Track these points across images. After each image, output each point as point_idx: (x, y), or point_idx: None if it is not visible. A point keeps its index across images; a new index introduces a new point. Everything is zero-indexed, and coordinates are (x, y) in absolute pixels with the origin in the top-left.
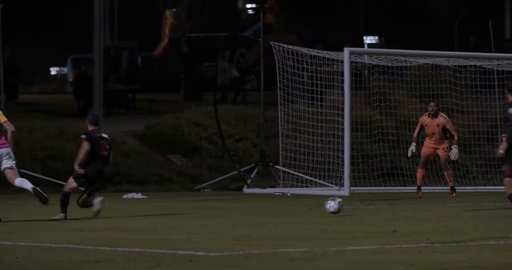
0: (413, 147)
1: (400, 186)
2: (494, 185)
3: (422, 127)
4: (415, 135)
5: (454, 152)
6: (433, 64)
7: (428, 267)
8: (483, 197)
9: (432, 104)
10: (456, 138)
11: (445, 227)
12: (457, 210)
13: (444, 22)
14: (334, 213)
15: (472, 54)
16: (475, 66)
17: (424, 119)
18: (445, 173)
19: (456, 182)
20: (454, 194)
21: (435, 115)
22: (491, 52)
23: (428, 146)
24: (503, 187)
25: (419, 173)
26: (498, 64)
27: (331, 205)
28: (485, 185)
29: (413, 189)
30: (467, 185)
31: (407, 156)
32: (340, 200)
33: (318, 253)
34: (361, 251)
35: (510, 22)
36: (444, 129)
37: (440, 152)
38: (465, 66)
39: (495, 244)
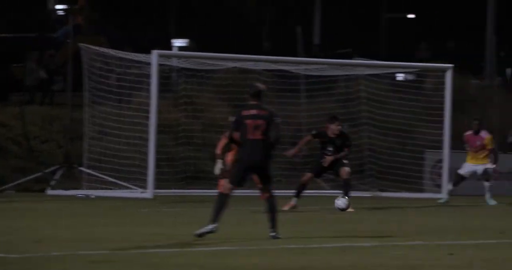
0: (219, 165)
1: (205, 189)
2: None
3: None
4: (219, 151)
5: None
6: (241, 67)
7: None
8: (286, 200)
9: None
10: None
11: (247, 231)
12: (258, 213)
13: (252, 25)
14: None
15: (280, 58)
16: (282, 70)
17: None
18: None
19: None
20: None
21: None
22: (299, 56)
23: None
24: (314, 191)
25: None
26: (306, 69)
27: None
28: (288, 189)
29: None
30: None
31: (214, 172)
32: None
33: (120, 255)
34: (163, 253)
35: (319, 28)
36: None
37: None
38: (272, 70)
39: (293, 248)
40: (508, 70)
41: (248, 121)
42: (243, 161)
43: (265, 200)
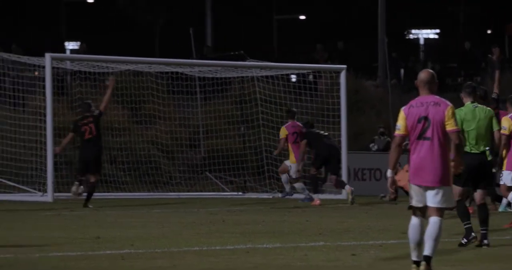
0: None
1: (105, 192)
2: (197, 191)
3: None
4: None
5: None
6: (135, 70)
7: None
8: (187, 203)
9: None
10: None
11: (149, 233)
12: (161, 216)
13: (144, 28)
14: None
15: (173, 60)
16: (176, 72)
17: None
18: None
19: (160, 188)
20: None
21: None
22: (193, 58)
23: None
24: (206, 193)
25: None
26: (200, 71)
27: None
28: (188, 191)
29: (118, 195)
30: (171, 191)
31: (110, 162)
32: None
33: (22, 259)
34: (65, 257)
35: (211, 29)
36: None
37: None
38: (167, 73)
39: (198, 250)
40: (402, 71)
41: None
42: None
43: None
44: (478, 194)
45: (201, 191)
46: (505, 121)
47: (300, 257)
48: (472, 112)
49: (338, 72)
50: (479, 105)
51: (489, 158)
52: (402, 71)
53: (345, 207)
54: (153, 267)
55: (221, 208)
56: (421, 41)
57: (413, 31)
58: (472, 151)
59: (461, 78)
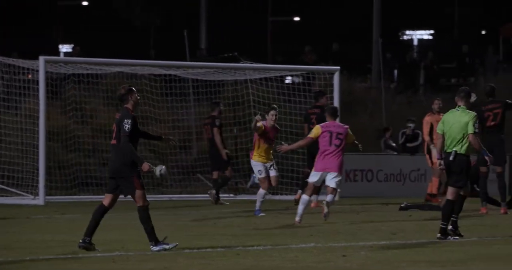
0: None
1: (95, 194)
2: (189, 193)
3: None
4: None
5: None
6: (129, 72)
7: None
8: (178, 205)
9: None
10: None
11: (140, 235)
12: (153, 218)
13: (139, 30)
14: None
15: (167, 62)
16: (170, 75)
17: None
18: None
19: (152, 190)
20: None
21: None
22: (186, 60)
23: None
24: (199, 195)
25: None
26: (194, 73)
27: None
28: (180, 193)
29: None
30: (163, 193)
31: (102, 164)
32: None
33: (12, 262)
34: (55, 260)
35: (205, 32)
36: None
37: None
38: (160, 75)
39: (189, 252)
40: (395, 72)
41: None
42: None
43: None
44: (448, 190)
45: (193, 193)
46: (314, 129)
47: (290, 258)
48: (453, 115)
49: (331, 73)
50: (464, 110)
51: (451, 158)
52: (395, 72)
53: (336, 209)
54: (144, 269)
55: (213, 210)
56: (415, 42)
57: (407, 32)
58: (447, 151)
59: (455, 79)
